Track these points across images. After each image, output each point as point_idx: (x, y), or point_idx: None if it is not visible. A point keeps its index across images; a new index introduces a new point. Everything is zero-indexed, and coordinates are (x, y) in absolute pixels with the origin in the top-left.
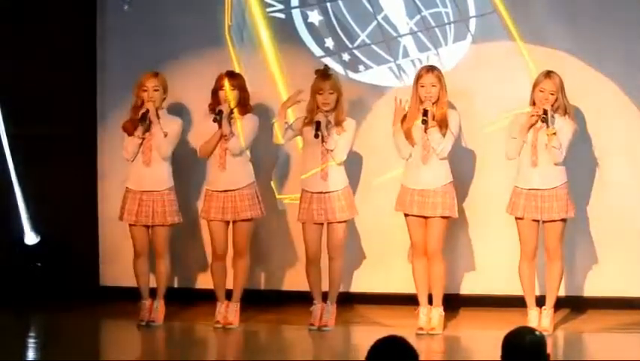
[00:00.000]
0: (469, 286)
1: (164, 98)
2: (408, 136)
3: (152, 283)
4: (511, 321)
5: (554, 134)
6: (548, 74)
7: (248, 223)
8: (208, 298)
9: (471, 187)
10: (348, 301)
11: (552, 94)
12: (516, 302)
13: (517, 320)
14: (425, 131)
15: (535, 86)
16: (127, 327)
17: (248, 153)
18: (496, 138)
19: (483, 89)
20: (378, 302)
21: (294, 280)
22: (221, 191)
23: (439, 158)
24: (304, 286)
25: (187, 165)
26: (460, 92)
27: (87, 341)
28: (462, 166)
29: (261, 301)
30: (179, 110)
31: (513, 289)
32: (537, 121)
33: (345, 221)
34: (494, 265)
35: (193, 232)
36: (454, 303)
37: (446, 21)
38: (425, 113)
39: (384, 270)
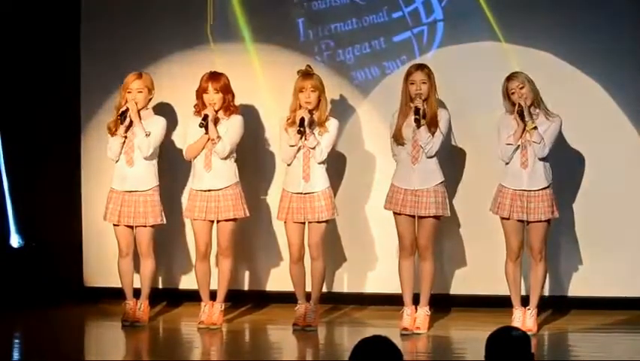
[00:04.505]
0: (460, 286)
1: (150, 99)
2: (398, 135)
3: (137, 284)
4: (500, 321)
5: (535, 128)
6: (509, 76)
7: (231, 223)
8: (193, 298)
9: (461, 186)
10: (333, 301)
11: (521, 87)
12: (507, 302)
13: (505, 320)
14: (418, 127)
15: (505, 93)
16: (111, 327)
17: (234, 153)
18: (485, 137)
19: (471, 88)
20: (363, 303)
21: (278, 281)
22: (205, 190)
23: (426, 156)
24: (288, 287)
25: (173, 165)
26: (449, 90)
27: (71, 342)
28: (452, 165)
29: (245, 301)
30: (164, 110)
31: (504, 289)
32: (522, 120)
33: (325, 221)
34: (485, 264)
35: (178, 232)
36: (444, 303)
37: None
38: (417, 111)
39: (368, 270)
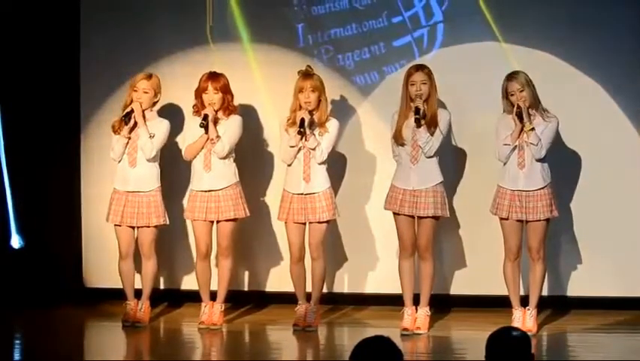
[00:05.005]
0: (460, 286)
1: (156, 102)
2: (398, 136)
3: (137, 285)
4: (500, 321)
5: (532, 130)
6: (510, 75)
7: (231, 223)
8: (194, 299)
9: (461, 187)
10: (334, 301)
11: (521, 91)
12: (507, 303)
13: (505, 320)
14: (418, 127)
15: (504, 93)
16: (112, 328)
17: (232, 153)
18: (485, 137)
19: (471, 88)
20: (364, 303)
21: (278, 281)
22: (205, 191)
23: (425, 156)
24: (288, 287)
25: (174, 166)
26: (449, 91)
27: (72, 342)
28: (452, 166)
29: (244, 302)
30: (164, 110)
31: (504, 289)
32: (520, 121)
33: (325, 222)
34: (485, 265)
35: (179, 233)
36: (444, 303)
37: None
38: (417, 111)
39: (369, 271)
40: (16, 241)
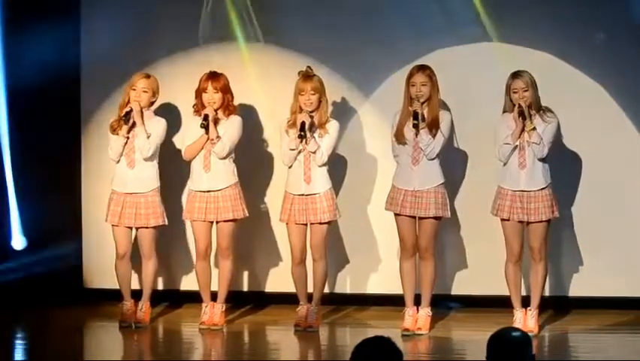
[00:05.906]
0: (461, 286)
1: (153, 102)
2: (399, 135)
3: (137, 285)
4: (501, 322)
5: (534, 129)
6: (516, 73)
7: (231, 224)
8: (194, 299)
9: (462, 187)
10: (335, 302)
11: (525, 90)
12: (508, 303)
13: (507, 320)
14: (416, 135)
15: (507, 90)
16: (112, 329)
17: (232, 153)
18: (486, 138)
19: (471, 89)
20: (365, 303)
21: (277, 282)
22: (204, 191)
23: (427, 159)
24: (287, 288)
25: (174, 166)
26: (449, 92)
27: (72, 343)
28: (453, 166)
29: (244, 302)
30: (163, 110)
31: (506, 289)
32: (522, 121)
33: (327, 223)
34: (486, 265)
35: (179, 233)
36: (445, 304)
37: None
38: (415, 115)
39: (370, 271)
40: (19, 243)
